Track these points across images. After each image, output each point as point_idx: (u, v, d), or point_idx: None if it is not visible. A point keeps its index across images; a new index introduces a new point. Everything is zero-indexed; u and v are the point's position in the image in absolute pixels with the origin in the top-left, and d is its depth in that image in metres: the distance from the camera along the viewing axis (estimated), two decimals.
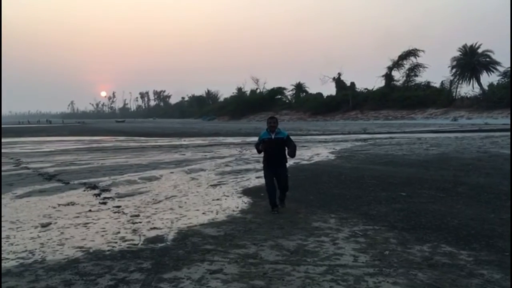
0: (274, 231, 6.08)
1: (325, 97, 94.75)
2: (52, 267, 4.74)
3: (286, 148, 7.41)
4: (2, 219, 7.08)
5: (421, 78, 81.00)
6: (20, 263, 4.87)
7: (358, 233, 6.00)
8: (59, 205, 8.19)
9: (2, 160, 16.85)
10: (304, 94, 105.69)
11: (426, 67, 79.75)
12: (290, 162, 14.47)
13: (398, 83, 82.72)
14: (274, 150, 7.31)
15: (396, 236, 5.80)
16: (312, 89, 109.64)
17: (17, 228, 6.49)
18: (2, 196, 9.17)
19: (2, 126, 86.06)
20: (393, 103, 73.95)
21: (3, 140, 32.89)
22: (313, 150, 19.54)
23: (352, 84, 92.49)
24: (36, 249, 5.42)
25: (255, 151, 8.32)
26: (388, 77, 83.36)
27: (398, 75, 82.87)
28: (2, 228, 6.45)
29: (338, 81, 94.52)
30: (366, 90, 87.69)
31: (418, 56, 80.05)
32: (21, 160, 16.96)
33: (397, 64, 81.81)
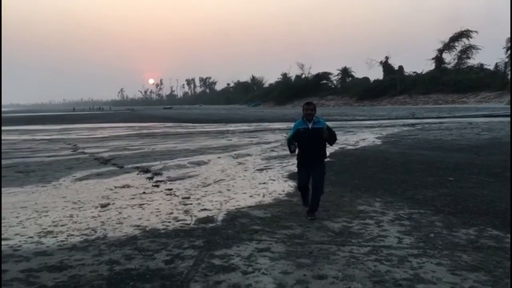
0: (319, 213, 6.24)
1: (371, 81, 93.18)
2: (113, 243, 5.14)
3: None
4: (65, 199, 7.64)
5: (474, 60, 78.17)
6: (84, 239, 5.30)
7: (403, 216, 6.08)
8: (115, 187, 8.69)
9: (61, 146, 17.86)
10: (350, 78, 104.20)
11: (479, 49, 76.67)
12: (335, 147, 14.64)
13: (449, 66, 79.95)
14: (312, 142, 5.98)
15: (441, 219, 5.84)
16: (359, 73, 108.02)
17: (79, 208, 6.99)
18: (63, 178, 9.83)
19: (60, 113, 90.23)
20: (443, 87, 71.64)
21: (60, 126, 34.63)
22: (359, 135, 19.43)
23: (400, 67, 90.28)
24: (97, 227, 5.85)
25: None
26: (439, 59, 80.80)
27: (449, 58, 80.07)
28: (66, 207, 6.97)
29: (386, 65, 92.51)
30: (415, 74, 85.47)
31: (471, 38, 77.01)
32: (77, 145, 17.87)
33: (448, 46, 79.00)
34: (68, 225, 5.95)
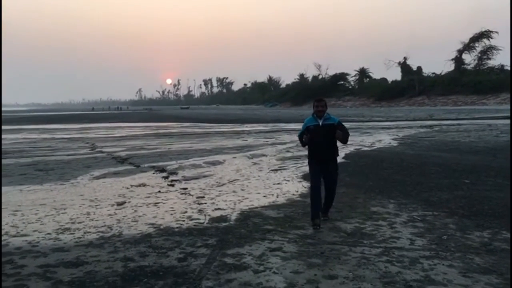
0: (332, 214, 6.25)
1: (389, 82, 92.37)
2: (128, 240, 5.24)
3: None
4: (83, 197, 7.80)
5: (494, 61, 76.79)
6: (100, 236, 5.42)
7: (416, 218, 6.06)
8: (131, 186, 8.83)
9: (80, 144, 18.17)
10: (368, 79, 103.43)
11: (500, 50, 75.39)
12: (350, 148, 14.61)
13: (469, 67, 78.79)
14: (323, 139, 5.74)
15: (455, 222, 5.81)
16: (376, 74, 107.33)
17: (96, 205, 7.13)
18: (81, 176, 10.02)
19: (79, 112, 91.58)
20: (463, 88, 70.65)
21: (80, 125, 35.16)
22: (375, 137, 19.33)
23: (419, 68, 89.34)
24: (113, 224, 5.97)
25: None
26: (458, 60, 79.67)
27: (469, 59, 78.93)
28: (83, 205, 7.12)
29: (404, 66, 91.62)
30: (433, 75, 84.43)
31: (491, 38, 75.77)
32: (96, 144, 18.15)
33: (468, 47, 77.89)
34: (85, 222, 6.09)
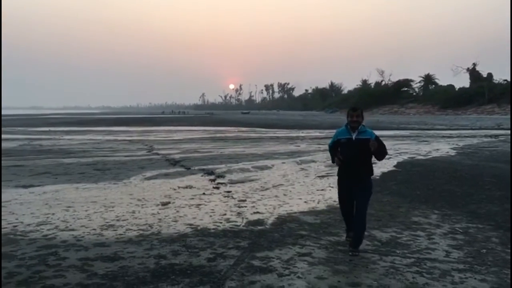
0: (370, 222, 6.16)
1: (457, 89, 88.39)
2: (165, 239, 5.47)
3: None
4: (131, 196, 8.18)
5: None
6: (140, 234, 5.69)
7: (458, 230, 5.85)
8: (178, 187, 9.13)
9: (139, 146, 18.97)
10: (433, 86, 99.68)
11: None
12: (404, 156, 14.22)
13: None
14: (355, 156, 4.98)
15: (499, 235, 5.56)
16: (443, 81, 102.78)
17: (142, 205, 7.46)
18: (134, 176, 10.50)
19: (143, 115, 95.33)
20: None
21: (142, 128, 36.64)
22: (433, 146, 18.66)
23: (489, 75, 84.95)
24: (154, 223, 6.24)
25: None
26: None
27: None
28: (130, 204, 7.49)
29: (473, 72, 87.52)
30: (505, 82, 79.77)
31: None
32: (153, 146, 18.87)
33: None
34: (128, 220, 6.40)
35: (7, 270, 4.32)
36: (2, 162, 13.10)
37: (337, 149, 5.17)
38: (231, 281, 4.09)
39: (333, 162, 5.31)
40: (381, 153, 5.04)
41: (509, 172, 10.58)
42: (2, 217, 6.46)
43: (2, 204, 7.38)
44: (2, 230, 5.81)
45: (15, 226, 6.03)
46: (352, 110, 5.06)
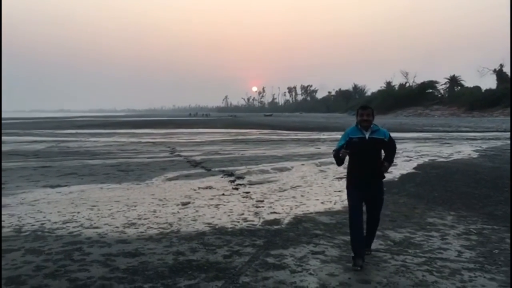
0: (385, 223, 6.26)
1: (483, 91, 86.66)
2: (184, 237, 5.68)
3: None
4: (153, 196, 8.45)
5: None
6: (160, 232, 5.92)
7: (472, 231, 5.90)
8: (199, 188, 9.37)
9: (162, 148, 19.35)
10: (459, 88, 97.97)
11: None
12: (424, 158, 14.17)
13: None
14: (368, 156, 4.69)
15: None
16: (469, 82, 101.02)
17: (163, 204, 7.72)
18: (156, 177, 10.80)
19: (169, 118, 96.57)
20: None
21: (166, 130, 37.21)
22: (455, 148, 18.49)
23: None
24: (174, 222, 6.47)
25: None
26: None
27: None
28: (152, 203, 7.75)
29: (500, 73, 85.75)
30: None
31: None
32: (175, 148, 19.22)
33: None
34: (150, 219, 6.65)
35: (35, 264, 4.60)
36: (31, 163, 13.62)
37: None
38: (246, 277, 4.27)
39: (339, 164, 4.96)
40: (392, 154, 4.87)
41: None
42: (31, 215, 6.82)
43: (31, 203, 7.77)
44: (32, 227, 6.15)
45: (43, 223, 6.34)
46: (362, 109, 4.76)
